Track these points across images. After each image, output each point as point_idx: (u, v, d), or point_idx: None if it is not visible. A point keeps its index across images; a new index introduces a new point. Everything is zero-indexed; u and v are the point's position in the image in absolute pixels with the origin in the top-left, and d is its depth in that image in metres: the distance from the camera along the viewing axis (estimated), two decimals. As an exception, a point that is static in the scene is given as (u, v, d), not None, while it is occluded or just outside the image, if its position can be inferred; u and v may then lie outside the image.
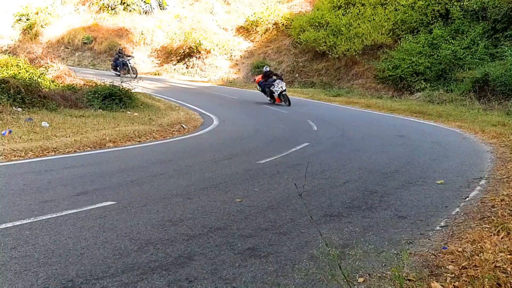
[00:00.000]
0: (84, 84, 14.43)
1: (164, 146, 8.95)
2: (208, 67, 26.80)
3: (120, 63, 22.44)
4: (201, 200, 4.89)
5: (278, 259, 3.37)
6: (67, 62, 24.22)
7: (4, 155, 6.81)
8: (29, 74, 11.60)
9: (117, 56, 22.92)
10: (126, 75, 21.42)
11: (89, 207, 4.45)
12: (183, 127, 11.21)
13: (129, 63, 22.22)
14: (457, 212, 4.73)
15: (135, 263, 3.20)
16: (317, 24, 24.02)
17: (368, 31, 21.60)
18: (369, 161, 7.52)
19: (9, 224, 3.87)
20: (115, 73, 22.25)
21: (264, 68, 17.96)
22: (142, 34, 29.00)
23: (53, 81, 13.03)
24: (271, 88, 16.52)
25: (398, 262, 3.31)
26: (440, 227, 4.25)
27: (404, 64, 19.12)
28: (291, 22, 26.14)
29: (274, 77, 16.76)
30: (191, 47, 26.67)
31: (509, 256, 3.28)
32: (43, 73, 12.68)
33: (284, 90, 16.56)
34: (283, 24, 27.02)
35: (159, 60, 28.18)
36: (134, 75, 21.62)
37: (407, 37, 20.23)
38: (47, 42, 29.63)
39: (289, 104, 16.16)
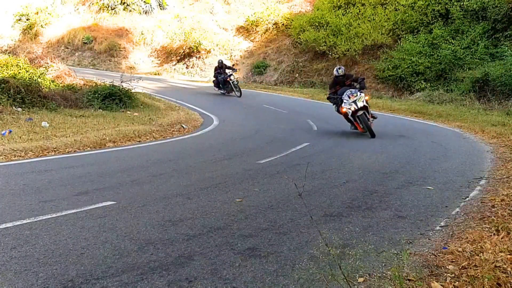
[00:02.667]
0: (84, 84, 14.44)
1: (164, 146, 8.94)
2: (208, 67, 26.79)
3: (222, 81, 18.62)
4: (201, 200, 4.88)
5: (278, 259, 3.37)
6: (67, 62, 24.21)
7: (4, 155, 6.81)
8: (29, 74, 11.60)
9: (216, 72, 19.05)
10: (230, 94, 18.66)
11: (89, 207, 4.45)
12: (183, 127, 11.21)
13: (231, 79, 18.32)
14: (457, 212, 4.72)
15: (135, 263, 3.19)
16: (317, 24, 24.01)
17: (368, 31, 21.60)
18: (369, 161, 7.52)
19: (9, 224, 3.87)
20: (220, 92, 19.11)
21: (334, 70, 10.65)
22: (142, 34, 29.01)
23: (53, 81, 13.03)
24: (342, 106, 10.07)
25: (398, 262, 3.31)
26: (440, 227, 4.25)
27: (404, 64, 19.12)
28: (291, 22, 26.13)
29: (353, 83, 10.24)
30: (191, 47, 26.68)
31: (509, 256, 3.28)
32: (43, 73, 12.68)
33: (361, 108, 9.78)
34: (283, 24, 27.02)
35: (159, 60, 28.18)
36: (238, 94, 18.38)
37: (407, 37, 20.23)
38: (47, 42, 29.63)
39: (373, 135, 9.80)
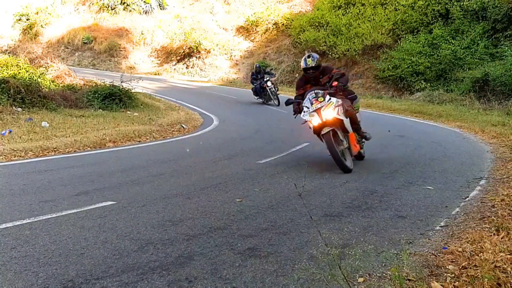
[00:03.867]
0: (84, 84, 14.44)
1: (164, 146, 8.94)
2: (208, 67, 26.82)
3: (259, 88, 16.41)
4: (201, 200, 4.88)
5: (278, 259, 3.37)
6: (67, 62, 24.22)
7: (4, 155, 6.81)
8: (29, 74, 11.61)
9: (252, 77, 16.87)
10: (269, 102, 16.41)
11: (89, 207, 4.44)
12: (183, 127, 11.21)
13: (267, 86, 16.04)
14: (457, 212, 4.72)
15: (135, 263, 3.19)
16: (317, 24, 24.04)
17: (368, 31, 21.61)
18: (369, 161, 7.51)
19: (9, 224, 3.87)
20: (261, 101, 16.90)
21: (302, 61, 6.80)
22: (142, 34, 29.03)
23: (53, 81, 13.04)
24: (301, 116, 6.65)
25: (398, 262, 3.30)
26: (440, 227, 4.24)
27: (404, 64, 19.14)
28: (291, 22, 26.17)
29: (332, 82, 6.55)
30: (191, 47, 26.70)
31: (509, 256, 3.27)
32: (43, 73, 12.69)
33: (327, 124, 6.26)
34: (283, 24, 27.04)
35: (159, 60, 28.20)
36: (276, 102, 15.96)
37: (407, 37, 20.24)
38: (47, 42, 29.65)
39: (346, 170, 6.40)
